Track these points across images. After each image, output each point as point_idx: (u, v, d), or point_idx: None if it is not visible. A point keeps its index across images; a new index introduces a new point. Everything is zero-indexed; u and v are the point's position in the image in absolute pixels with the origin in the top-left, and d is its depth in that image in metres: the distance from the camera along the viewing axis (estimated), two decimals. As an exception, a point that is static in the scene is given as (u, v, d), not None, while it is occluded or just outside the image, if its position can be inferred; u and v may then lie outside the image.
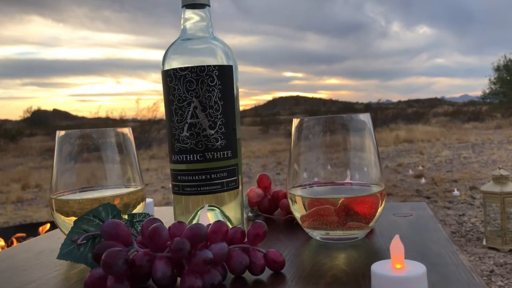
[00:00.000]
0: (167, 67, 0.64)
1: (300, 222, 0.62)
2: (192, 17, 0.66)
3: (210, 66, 0.62)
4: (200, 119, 0.63)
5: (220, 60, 0.65)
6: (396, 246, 0.41)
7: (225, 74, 0.64)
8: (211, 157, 0.63)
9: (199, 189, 0.63)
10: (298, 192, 0.62)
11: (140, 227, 0.53)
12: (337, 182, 0.63)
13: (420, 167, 6.58)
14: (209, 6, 0.67)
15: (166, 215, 0.84)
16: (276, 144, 12.94)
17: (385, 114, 23.51)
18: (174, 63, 0.64)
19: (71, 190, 0.65)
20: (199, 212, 0.64)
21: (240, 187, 0.67)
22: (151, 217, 0.50)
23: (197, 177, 0.63)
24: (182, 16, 0.67)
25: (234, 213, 0.67)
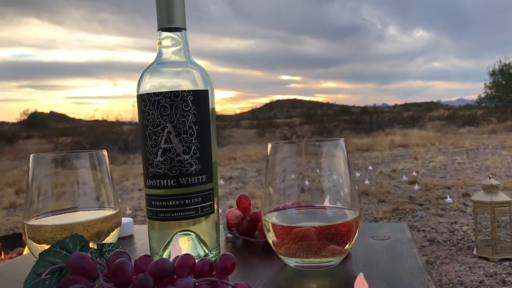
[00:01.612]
0: (141, 91, 0.64)
1: (274, 248, 0.62)
2: (167, 41, 0.66)
3: (184, 91, 0.62)
4: (174, 144, 0.62)
5: (195, 84, 0.64)
6: (360, 285, 0.41)
7: (200, 98, 0.63)
8: (185, 182, 0.63)
9: (173, 214, 0.63)
10: (272, 218, 0.62)
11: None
12: (312, 205, 0.62)
13: (414, 173, 6.59)
14: (185, 29, 0.67)
15: (145, 235, 0.83)
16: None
17: (381, 118, 23.57)
18: (149, 88, 0.63)
19: (44, 213, 0.65)
20: (172, 239, 0.64)
21: (215, 211, 0.67)
22: (118, 249, 0.49)
23: (171, 203, 0.63)
24: (158, 38, 0.67)
25: (209, 237, 0.66)
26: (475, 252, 2.89)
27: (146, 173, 0.64)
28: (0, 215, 4.98)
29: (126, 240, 0.82)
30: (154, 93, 0.62)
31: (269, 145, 0.63)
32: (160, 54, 0.66)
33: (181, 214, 0.63)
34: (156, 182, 0.63)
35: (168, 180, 0.63)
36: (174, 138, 0.62)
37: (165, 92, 0.62)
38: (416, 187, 5.40)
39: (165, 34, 0.66)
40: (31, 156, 0.66)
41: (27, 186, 0.65)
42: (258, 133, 20.77)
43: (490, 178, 2.70)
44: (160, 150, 0.63)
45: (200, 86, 0.64)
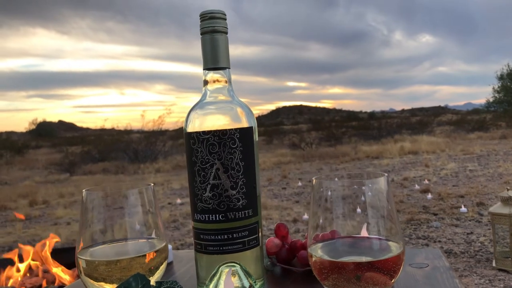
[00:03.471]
0: (190, 129, 0.66)
1: (319, 278, 0.64)
2: (213, 79, 0.69)
3: (231, 129, 0.65)
4: (222, 180, 0.65)
5: (241, 122, 0.67)
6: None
7: (246, 135, 0.66)
8: (233, 217, 0.65)
9: (221, 248, 0.65)
10: (318, 252, 0.64)
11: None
12: (356, 236, 0.64)
13: (426, 181, 6.57)
14: (229, 68, 0.69)
15: (184, 262, 0.86)
16: (281, 156, 12.94)
17: (389, 124, 23.49)
18: (197, 126, 0.66)
19: (97, 246, 0.67)
20: (221, 271, 0.66)
21: (261, 243, 0.69)
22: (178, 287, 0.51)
23: (219, 237, 0.65)
24: (203, 77, 0.69)
25: (254, 268, 0.68)
26: (494, 264, 2.87)
27: (195, 208, 0.67)
28: (17, 227, 5.03)
29: (167, 267, 0.84)
30: (203, 132, 0.64)
31: (314, 181, 0.65)
32: (206, 93, 0.69)
33: (229, 248, 0.65)
34: (205, 216, 0.65)
35: (217, 215, 0.65)
36: (222, 175, 0.65)
37: (213, 130, 0.64)
38: (429, 196, 5.37)
39: (210, 73, 0.68)
40: (84, 192, 0.68)
41: (80, 220, 0.68)
42: (265, 140, 20.77)
43: (508, 190, 2.69)
44: (209, 186, 0.65)
45: (246, 124, 0.67)
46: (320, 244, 0.65)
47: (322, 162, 11.15)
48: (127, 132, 17.75)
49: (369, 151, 12.23)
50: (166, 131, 17.56)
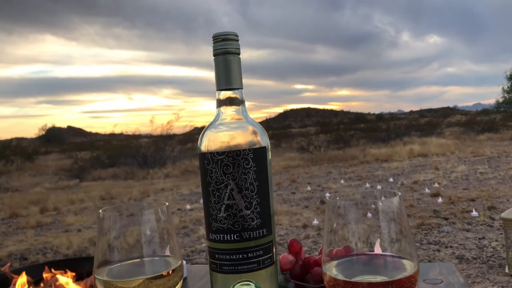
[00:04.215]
0: (204, 150, 0.67)
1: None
2: (226, 100, 0.69)
3: (245, 149, 0.65)
4: (236, 200, 0.65)
5: (254, 143, 0.67)
6: None
7: (259, 155, 0.67)
8: (247, 236, 0.66)
9: (236, 268, 0.66)
10: (332, 270, 0.64)
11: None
12: (370, 254, 0.65)
13: (436, 185, 6.52)
14: (242, 88, 0.70)
15: (198, 278, 0.86)
16: (289, 159, 12.93)
17: (397, 126, 23.37)
18: (211, 147, 0.67)
19: (113, 265, 0.68)
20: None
21: (275, 261, 0.69)
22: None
23: (234, 256, 0.66)
24: (216, 97, 0.70)
25: (269, 285, 0.69)
26: (507, 271, 2.84)
27: (209, 227, 0.68)
28: (29, 234, 5.07)
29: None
30: (217, 152, 0.65)
31: (327, 201, 0.66)
32: (219, 113, 0.70)
33: (244, 267, 0.66)
34: (220, 236, 0.66)
35: (232, 235, 0.66)
36: (236, 195, 0.65)
37: (227, 151, 0.65)
38: (440, 200, 5.33)
39: (223, 94, 0.69)
40: (100, 212, 0.69)
41: (96, 239, 0.69)
42: (273, 144, 20.77)
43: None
44: (223, 206, 0.66)
45: (259, 144, 0.68)
46: (334, 262, 0.65)
47: (331, 166, 11.12)
48: (136, 137, 17.83)
49: (378, 154, 12.17)
50: (174, 135, 17.63)
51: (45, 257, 4.08)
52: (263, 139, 0.69)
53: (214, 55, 0.69)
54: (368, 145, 16.00)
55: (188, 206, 6.34)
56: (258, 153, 0.66)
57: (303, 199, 6.41)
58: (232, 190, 0.66)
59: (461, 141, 15.47)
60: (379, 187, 6.81)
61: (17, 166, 18.77)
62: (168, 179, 11.03)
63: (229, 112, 0.69)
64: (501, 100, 26.16)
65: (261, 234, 0.67)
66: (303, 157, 13.46)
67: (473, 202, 5.18)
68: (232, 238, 0.66)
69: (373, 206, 0.64)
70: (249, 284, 0.68)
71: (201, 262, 3.76)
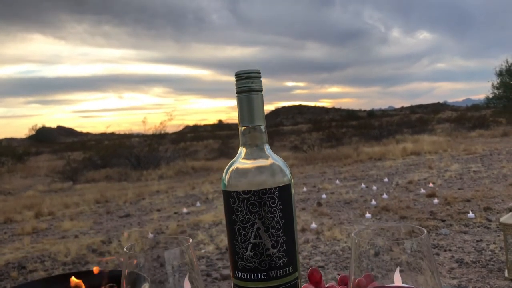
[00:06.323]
0: (229, 188, 0.67)
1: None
2: (249, 137, 0.69)
3: (271, 188, 0.65)
4: (263, 239, 0.65)
5: (280, 180, 0.67)
6: None
7: (285, 193, 0.67)
8: (274, 275, 0.66)
9: (264, 306, 0.66)
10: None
11: None
12: (391, 286, 0.65)
13: (431, 184, 6.57)
14: (264, 124, 0.70)
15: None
16: (284, 159, 12.92)
17: (389, 123, 23.49)
18: (237, 186, 0.67)
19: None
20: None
21: (299, 295, 0.69)
22: None
23: (261, 295, 0.65)
24: (240, 134, 0.70)
25: (293, 319, 0.69)
26: (506, 275, 2.87)
27: (235, 265, 0.67)
28: (25, 241, 5.01)
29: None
30: (243, 191, 0.65)
31: (352, 237, 0.66)
32: (242, 150, 0.69)
33: (271, 305, 0.66)
34: (246, 275, 0.66)
35: (258, 274, 0.65)
36: (263, 234, 0.65)
37: (253, 190, 0.65)
38: (436, 200, 5.37)
39: (247, 130, 0.69)
40: (125, 250, 0.69)
41: (121, 279, 0.68)
42: (267, 143, 20.72)
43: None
44: (250, 245, 0.66)
45: (284, 181, 0.67)
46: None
47: (325, 165, 11.15)
48: (128, 137, 17.71)
49: (371, 152, 12.22)
50: (166, 134, 17.52)
51: (43, 265, 4.03)
52: (287, 176, 0.69)
53: (237, 93, 0.69)
54: (361, 143, 16.06)
55: (184, 210, 6.31)
56: (283, 190, 0.66)
57: (299, 200, 6.42)
58: (259, 229, 0.65)
59: (453, 138, 15.61)
60: (374, 187, 6.84)
61: (8, 168, 18.55)
62: (162, 181, 10.99)
63: (252, 149, 0.69)
64: (491, 96, 26.36)
65: (287, 272, 0.67)
66: (297, 156, 13.47)
67: (468, 202, 5.22)
68: (259, 277, 0.66)
69: (399, 244, 0.64)
70: (275, 321, 0.68)
71: (201, 269, 3.75)
